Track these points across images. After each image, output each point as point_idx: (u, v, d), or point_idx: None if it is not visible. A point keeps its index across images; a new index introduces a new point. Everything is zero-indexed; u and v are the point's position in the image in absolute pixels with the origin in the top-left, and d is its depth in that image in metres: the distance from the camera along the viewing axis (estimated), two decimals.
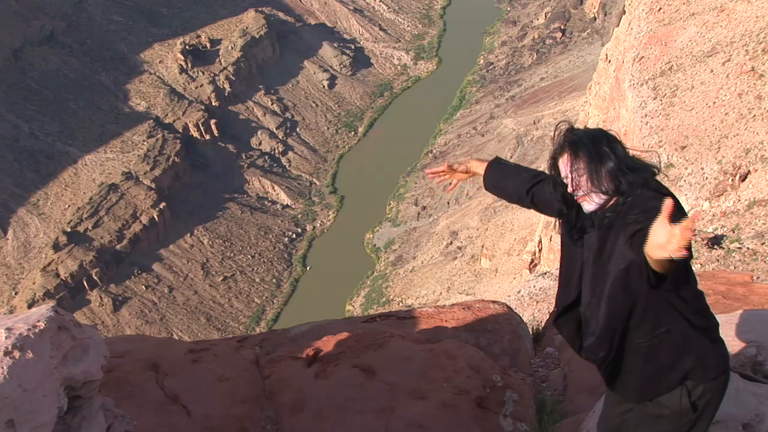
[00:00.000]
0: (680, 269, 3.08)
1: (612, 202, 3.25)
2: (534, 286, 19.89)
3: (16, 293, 69.40)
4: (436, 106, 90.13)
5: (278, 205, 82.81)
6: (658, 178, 3.32)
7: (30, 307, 62.98)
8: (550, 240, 38.64)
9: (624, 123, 28.41)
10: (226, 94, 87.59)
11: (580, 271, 3.42)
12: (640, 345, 3.30)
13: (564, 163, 3.29)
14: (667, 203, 2.86)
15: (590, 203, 3.26)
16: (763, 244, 17.30)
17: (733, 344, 4.93)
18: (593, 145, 3.24)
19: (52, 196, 76.29)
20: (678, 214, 2.90)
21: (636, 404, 3.49)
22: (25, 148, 78.15)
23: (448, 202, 78.49)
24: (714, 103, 25.43)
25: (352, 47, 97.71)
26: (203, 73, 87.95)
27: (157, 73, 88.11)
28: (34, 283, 68.56)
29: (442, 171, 4.20)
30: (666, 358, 3.30)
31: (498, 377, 5.92)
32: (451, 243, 71.41)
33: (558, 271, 3.64)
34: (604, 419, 3.78)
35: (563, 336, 3.63)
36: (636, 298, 3.19)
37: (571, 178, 3.27)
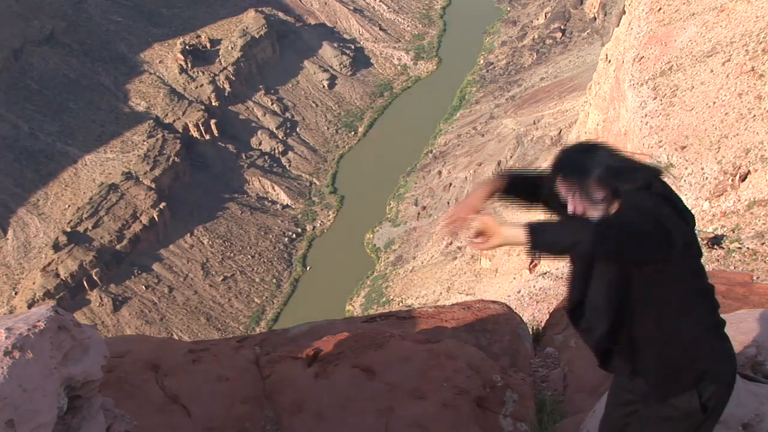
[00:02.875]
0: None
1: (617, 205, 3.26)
2: (534, 286, 19.89)
3: (16, 293, 69.40)
4: (436, 106, 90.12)
5: (278, 205, 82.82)
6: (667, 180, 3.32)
7: (30, 307, 62.99)
8: None
9: (624, 123, 28.42)
10: (226, 94, 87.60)
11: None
12: (650, 338, 3.30)
13: (560, 190, 3.32)
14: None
15: (594, 215, 3.27)
16: (763, 244, 17.30)
17: (733, 344, 4.93)
18: (571, 162, 3.27)
19: (52, 196, 76.30)
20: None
21: (654, 402, 3.46)
22: (25, 148, 78.16)
23: (448, 202, 78.49)
24: (714, 103, 25.43)
25: (352, 47, 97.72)
26: (203, 73, 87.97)
27: (157, 73, 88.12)
28: (34, 283, 68.57)
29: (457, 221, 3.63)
30: (678, 356, 3.29)
31: (498, 377, 5.92)
32: (451, 243, 71.40)
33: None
34: (606, 421, 3.77)
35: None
36: (620, 283, 3.20)
37: (569, 201, 3.29)
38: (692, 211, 3.37)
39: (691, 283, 3.26)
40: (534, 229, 3.01)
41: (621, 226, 3.00)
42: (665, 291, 3.21)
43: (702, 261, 3.42)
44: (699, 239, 3.49)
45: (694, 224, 3.30)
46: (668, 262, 3.09)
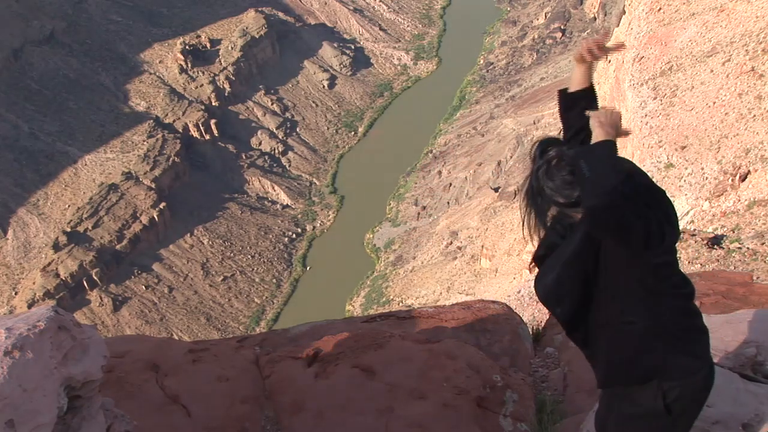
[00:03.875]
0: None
1: None
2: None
3: (16, 293, 69.40)
4: (436, 106, 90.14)
5: (278, 205, 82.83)
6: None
7: (30, 307, 63.00)
8: None
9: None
10: (226, 94, 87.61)
11: None
12: (608, 327, 3.32)
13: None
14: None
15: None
16: (763, 244, 17.29)
17: (733, 344, 4.93)
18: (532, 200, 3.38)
19: (52, 196, 76.31)
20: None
21: (603, 390, 3.52)
22: (25, 148, 78.17)
23: (448, 202, 78.50)
24: (714, 103, 25.43)
25: (352, 47, 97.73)
26: (203, 73, 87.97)
27: (157, 73, 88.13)
28: (34, 283, 68.57)
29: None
30: (628, 350, 3.31)
31: (498, 377, 5.92)
32: (451, 243, 71.41)
33: None
34: (597, 411, 3.80)
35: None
36: (590, 264, 3.22)
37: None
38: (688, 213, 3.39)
39: (659, 281, 3.25)
40: (603, 144, 3.10)
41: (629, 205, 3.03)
42: (630, 283, 3.23)
43: (681, 268, 3.41)
44: (675, 242, 3.46)
45: (674, 223, 3.28)
46: (636, 252, 3.11)
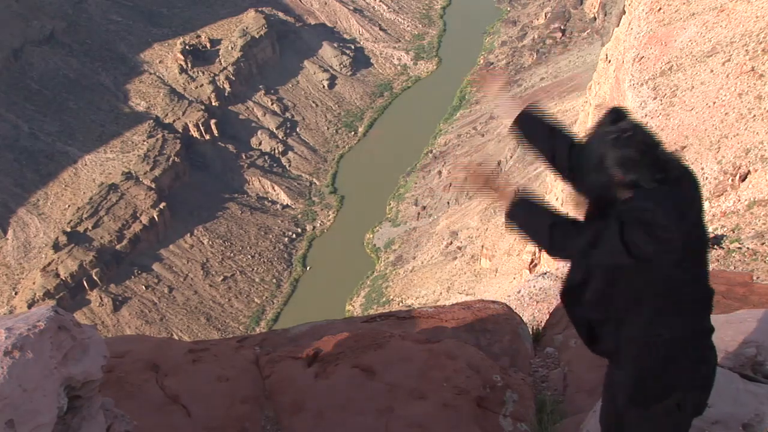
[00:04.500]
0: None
1: None
2: (534, 286, 19.84)
3: (16, 293, 69.39)
4: (436, 106, 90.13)
5: (278, 205, 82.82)
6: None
7: (30, 307, 62.98)
8: None
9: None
10: (226, 94, 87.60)
11: None
12: (634, 339, 3.31)
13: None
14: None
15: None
16: (763, 244, 17.29)
17: (733, 344, 4.93)
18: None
19: (52, 196, 76.30)
20: None
21: (625, 403, 3.48)
22: (25, 148, 78.16)
23: (448, 202, 78.49)
24: (714, 103, 25.42)
25: (352, 47, 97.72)
26: (203, 73, 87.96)
27: (157, 73, 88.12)
28: (34, 283, 68.56)
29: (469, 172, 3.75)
30: (655, 363, 3.30)
31: (498, 377, 5.91)
32: (451, 243, 71.40)
33: None
34: (602, 407, 3.79)
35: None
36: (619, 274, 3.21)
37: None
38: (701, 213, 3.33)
39: (686, 290, 3.24)
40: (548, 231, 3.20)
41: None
42: (658, 294, 3.20)
43: (708, 259, 3.40)
44: (702, 242, 3.38)
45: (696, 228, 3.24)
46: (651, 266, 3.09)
